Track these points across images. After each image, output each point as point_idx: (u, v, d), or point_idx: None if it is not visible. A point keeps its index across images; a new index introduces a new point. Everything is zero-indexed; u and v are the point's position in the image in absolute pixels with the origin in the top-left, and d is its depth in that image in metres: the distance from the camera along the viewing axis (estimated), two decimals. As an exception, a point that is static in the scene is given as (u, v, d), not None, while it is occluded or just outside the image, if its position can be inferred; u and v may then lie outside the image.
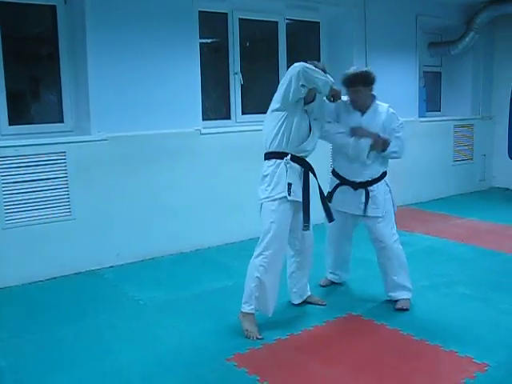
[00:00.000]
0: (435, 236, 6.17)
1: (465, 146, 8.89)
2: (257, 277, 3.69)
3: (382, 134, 3.98)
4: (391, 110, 4.12)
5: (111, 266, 5.19)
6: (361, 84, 3.95)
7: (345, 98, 4.01)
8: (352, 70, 4.05)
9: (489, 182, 9.31)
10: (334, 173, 4.23)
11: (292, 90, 3.61)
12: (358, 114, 4.06)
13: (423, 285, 4.56)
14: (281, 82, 3.74)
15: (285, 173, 3.69)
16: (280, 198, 3.68)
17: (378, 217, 4.08)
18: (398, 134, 4.08)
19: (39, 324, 3.98)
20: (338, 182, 4.19)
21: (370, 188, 4.07)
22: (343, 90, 3.99)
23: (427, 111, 8.56)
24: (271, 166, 3.74)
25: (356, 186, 4.09)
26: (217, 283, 4.72)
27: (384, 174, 4.15)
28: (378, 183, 4.10)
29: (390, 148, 4.02)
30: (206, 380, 3.16)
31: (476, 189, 9.04)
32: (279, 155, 3.72)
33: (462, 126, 8.80)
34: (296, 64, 3.64)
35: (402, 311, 4.06)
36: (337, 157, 4.22)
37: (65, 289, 4.70)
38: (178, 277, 4.96)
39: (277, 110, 3.76)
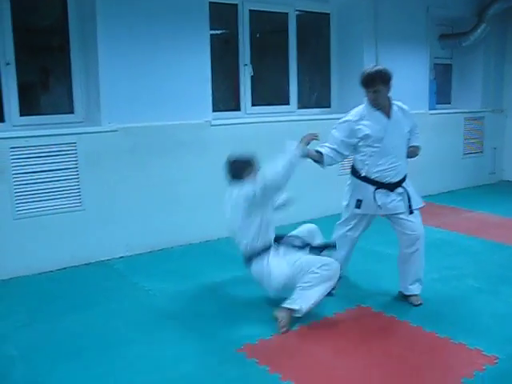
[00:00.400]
0: (445, 229, 6.15)
1: (475, 138, 8.85)
2: None
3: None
4: (405, 106, 4.15)
5: (121, 257, 5.22)
6: (380, 83, 3.92)
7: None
8: (369, 69, 4.00)
9: (499, 175, 9.27)
10: (364, 178, 4.10)
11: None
12: (383, 117, 4.01)
13: (433, 277, 4.55)
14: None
15: None
16: None
17: (417, 209, 4.11)
18: (418, 132, 4.20)
19: (50, 314, 4.01)
20: (370, 186, 4.09)
21: (404, 185, 4.08)
22: (362, 90, 3.99)
23: (437, 104, 8.52)
24: None
25: (392, 186, 4.06)
26: (226, 274, 4.73)
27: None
28: (406, 180, 4.14)
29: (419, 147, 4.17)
30: (217, 370, 3.18)
31: (486, 182, 9.01)
32: None
33: (473, 119, 8.75)
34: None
35: (412, 304, 4.07)
36: (367, 162, 4.08)
37: (75, 279, 4.73)
38: (187, 268, 4.98)
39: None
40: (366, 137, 3.99)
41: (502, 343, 3.45)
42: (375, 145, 3.99)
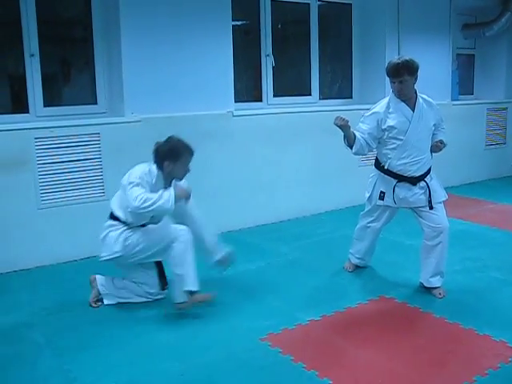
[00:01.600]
0: (467, 221, 6.11)
1: (498, 130, 8.75)
2: None
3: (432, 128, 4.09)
4: (429, 99, 4.12)
5: (144, 247, 5.24)
6: (406, 73, 3.89)
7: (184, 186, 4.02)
8: (395, 59, 3.97)
9: (522, 167, 9.17)
10: (387, 171, 4.10)
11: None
12: (408, 109, 3.99)
13: (456, 269, 4.52)
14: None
15: None
16: None
17: (440, 202, 4.10)
18: (444, 127, 4.22)
19: (75, 303, 4.04)
20: (392, 179, 4.09)
21: (426, 179, 4.07)
22: (388, 79, 3.99)
23: (460, 94, 8.43)
24: None
25: (414, 180, 4.04)
26: (250, 264, 4.75)
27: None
28: (431, 172, 4.12)
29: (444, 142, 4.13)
30: (241, 359, 3.19)
31: (509, 173, 8.90)
32: None
33: (496, 110, 8.65)
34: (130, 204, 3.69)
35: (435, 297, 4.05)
36: (390, 155, 4.07)
37: (99, 268, 4.72)
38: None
39: None
40: (391, 128, 3.98)
41: (527, 335, 3.43)
42: (399, 137, 3.98)
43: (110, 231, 3.89)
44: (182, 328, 3.61)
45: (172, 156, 3.80)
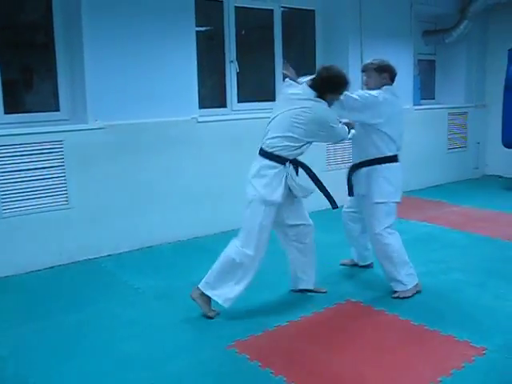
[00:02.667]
0: (431, 223, 6.21)
1: (459, 134, 8.93)
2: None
3: None
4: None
5: (109, 255, 5.19)
6: (372, 70, 4.16)
7: None
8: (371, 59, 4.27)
9: (482, 170, 9.36)
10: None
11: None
12: None
13: (420, 271, 4.54)
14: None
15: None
16: None
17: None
18: None
19: (39, 313, 3.98)
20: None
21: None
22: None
23: (422, 99, 8.57)
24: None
25: (354, 168, 4.25)
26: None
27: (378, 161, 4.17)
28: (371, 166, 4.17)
29: None
30: (208, 367, 3.18)
31: (470, 176, 9.09)
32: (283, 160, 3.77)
33: (456, 114, 8.83)
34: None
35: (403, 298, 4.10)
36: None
37: (63, 278, 4.70)
38: (176, 265, 4.97)
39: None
40: None
41: (490, 335, 3.49)
42: None
43: None
44: (150, 336, 3.57)
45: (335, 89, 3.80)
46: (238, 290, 3.74)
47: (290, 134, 3.69)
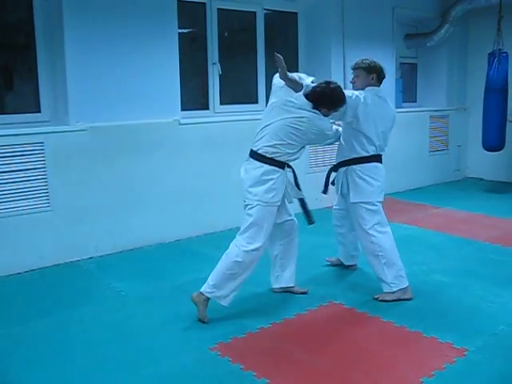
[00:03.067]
0: (413, 225, 6.25)
1: (440, 136, 9.01)
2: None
3: None
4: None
5: (91, 258, 5.16)
6: (361, 69, 4.19)
7: None
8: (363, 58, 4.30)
9: (463, 172, 9.44)
10: None
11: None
12: None
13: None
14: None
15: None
16: None
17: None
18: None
19: (20, 316, 3.93)
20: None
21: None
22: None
23: (404, 102, 8.64)
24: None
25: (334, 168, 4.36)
26: (198, 274, 4.67)
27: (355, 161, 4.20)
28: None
29: None
30: (190, 370, 3.17)
31: (451, 179, 9.17)
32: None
33: (438, 117, 8.91)
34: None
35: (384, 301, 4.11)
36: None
37: (44, 281, 4.66)
38: (158, 267, 4.94)
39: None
40: None
41: (470, 336, 3.52)
42: None
43: None
44: (132, 339, 3.55)
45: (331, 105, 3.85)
46: (236, 287, 3.83)
47: (289, 141, 3.79)
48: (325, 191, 4.42)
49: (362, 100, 4.01)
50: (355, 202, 4.14)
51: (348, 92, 4.01)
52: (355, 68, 4.24)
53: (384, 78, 4.28)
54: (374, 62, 4.24)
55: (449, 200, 7.59)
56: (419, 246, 5.51)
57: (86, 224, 5.12)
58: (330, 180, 4.44)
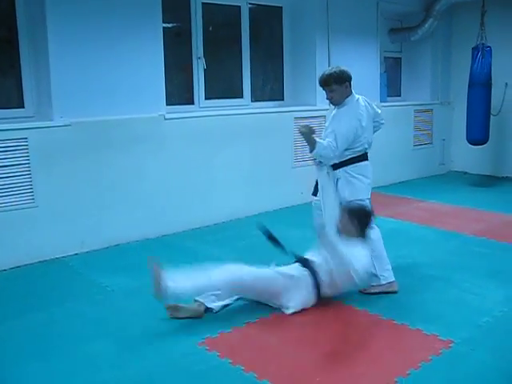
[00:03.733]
0: (398, 219, 6.28)
1: (425, 130, 9.06)
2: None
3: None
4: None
5: (76, 254, 5.13)
6: (334, 83, 4.10)
7: None
8: (327, 70, 4.19)
9: (448, 166, 9.51)
10: None
11: None
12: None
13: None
14: None
15: None
16: None
17: None
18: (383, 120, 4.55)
19: (4, 313, 3.90)
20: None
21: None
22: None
23: (388, 96, 8.67)
24: None
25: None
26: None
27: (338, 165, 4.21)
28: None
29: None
30: (178, 365, 3.17)
31: (436, 172, 9.23)
32: None
33: (422, 111, 8.96)
34: None
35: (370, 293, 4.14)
36: None
37: (30, 277, 4.62)
38: (144, 263, 4.83)
39: None
40: None
41: (456, 328, 3.55)
42: None
43: None
44: (119, 335, 3.54)
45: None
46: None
47: None
48: (314, 193, 4.36)
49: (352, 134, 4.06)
50: (350, 200, 4.17)
51: (333, 139, 4.02)
52: (326, 85, 4.14)
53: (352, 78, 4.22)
54: (340, 69, 4.15)
55: (433, 193, 7.65)
56: (404, 239, 5.54)
57: (71, 220, 5.09)
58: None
